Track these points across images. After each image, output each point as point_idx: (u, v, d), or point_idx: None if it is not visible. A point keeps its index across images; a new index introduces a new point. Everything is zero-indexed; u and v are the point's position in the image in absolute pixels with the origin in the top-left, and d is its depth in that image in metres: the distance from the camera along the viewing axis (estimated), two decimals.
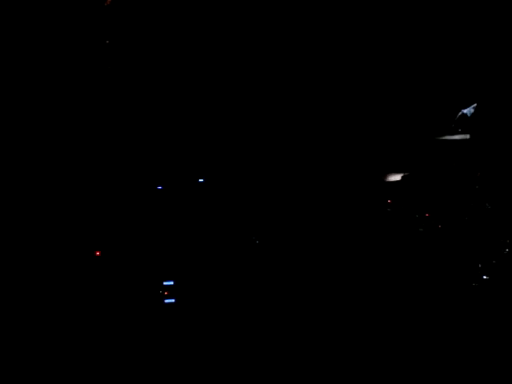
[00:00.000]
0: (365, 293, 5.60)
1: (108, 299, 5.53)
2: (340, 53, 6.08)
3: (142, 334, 5.46)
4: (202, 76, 6.08)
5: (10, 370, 5.18)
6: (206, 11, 6.06)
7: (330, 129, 6.08)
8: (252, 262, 5.71)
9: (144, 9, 6.01)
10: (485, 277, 5.49)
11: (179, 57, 6.08)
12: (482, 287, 5.54)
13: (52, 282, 5.52)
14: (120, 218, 5.72)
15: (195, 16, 6.06)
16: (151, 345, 5.43)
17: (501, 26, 5.82)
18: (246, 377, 5.27)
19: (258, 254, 5.74)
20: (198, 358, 5.38)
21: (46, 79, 5.88)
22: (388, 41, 6.04)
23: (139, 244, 5.69)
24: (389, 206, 5.77)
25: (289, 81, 6.10)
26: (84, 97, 5.93)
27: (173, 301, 5.61)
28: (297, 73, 6.10)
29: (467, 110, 5.31)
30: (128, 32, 6.00)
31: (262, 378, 5.26)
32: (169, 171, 5.92)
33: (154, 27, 6.03)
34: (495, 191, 5.60)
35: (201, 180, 5.91)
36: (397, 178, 5.59)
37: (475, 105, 5.28)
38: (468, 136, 5.22)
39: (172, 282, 5.66)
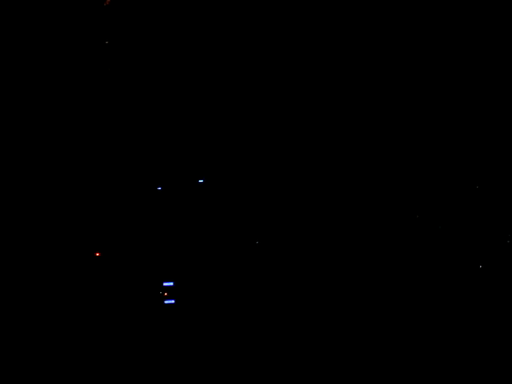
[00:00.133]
0: (366, 292, 5.59)
1: (108, 300, 5.53)
2: (340, 53, 6.08)
3: (141, 335, 5.46)
4: (204, 77, 6.08)
5: (11, 370, 5.19)
6: (207, 11, 6.06)
7: (331, 128, 6.07)
8: (253, 263, 5.71)
9: (144, 9, 6.01)
10: (485, 276, 5.49)
11: (179, 57, 6.08)
12: (483, 287, 5.53)
13: (51, 282, 5.52)
14: (119, 219, 5.72)
15: (196, 16, 6.06)
16: (151, 345, 5.43)
17: (501, 26, 5.82)
18: (248, 377, 5.27)
19: (259, 256, 5.73)
20: (198, 359, 5.38)
21: (45, 80, 5.88)
22: (388, 41, 6.03)
23: (139, 245, 5.69)
24: (388, 206, 5.76)
25: (290, 81, 6.10)
26: (83, 97, 5.93)
27: (173, 302, 5.61)
28: (298, 73, 6.10)
29: None
30: (128, 33, 6.00)
31: (264, 377, 5.25)
32: (168, 172, 5.92)
33: (154, 28, 6.03)
34: (496, 190, 5.60)
35: (201, 181, 5.91)
36: (397, 177, 5.59)
37: None
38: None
39: (172, 283, 5.66)
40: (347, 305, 5.56)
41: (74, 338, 5.39)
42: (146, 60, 6.04)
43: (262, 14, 6.07)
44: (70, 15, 5.86)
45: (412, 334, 5.42)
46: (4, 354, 5.26)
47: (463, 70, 5.71)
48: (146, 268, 5.65)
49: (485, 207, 5.74)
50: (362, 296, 5.59)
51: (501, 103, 5.86)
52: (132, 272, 5.62)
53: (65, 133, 5.85)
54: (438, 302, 5.52)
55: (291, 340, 5.42)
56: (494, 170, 5.81)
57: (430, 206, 5.81)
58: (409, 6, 6.00)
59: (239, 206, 5.86)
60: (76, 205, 5.71)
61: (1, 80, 5.80)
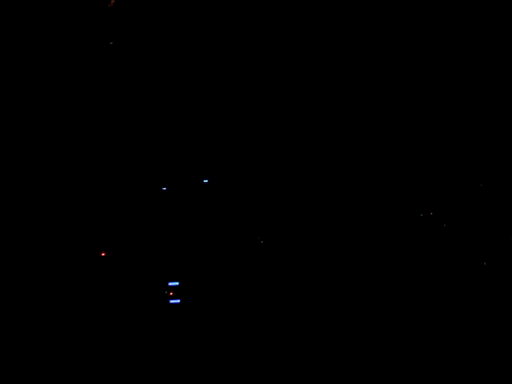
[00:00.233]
0: (367, 292, 5.60)
1: (113, 300, 5.54)
2: (340, 53, 6.08)
3: (147, 334, 5.47)
4: (208, 77, 6.08)
5: (12, 370, 5.20)
6: (213, 12, 6.06)
7: (333, 128, 6.08)
8: (257, 262, 5.72)
9: (149, 10, 6.02)
10: (489, 273, 5.49)
11: (183, 58, 6.09)
12: (487, 284, 5.54)
13: (58, 282, 5.53)
14: (125, 220, 5.73)
15: (201, 17, 6.06)
16: (157, 345, 5.44)
17: (501, 26, 5.82)
18: (250, 377, 5.28)
19: (264, 255, 5.74)
20: (203, 358, 5.39)
21: (50, 80, 5.89)
22: (388, 41, 6.04)
23: (144, 245, 5.70)
24: (393, 204, 5.77)
25: (292, 81, 6.10)
26: (88, 98, 5.94)
27: (178, 301, 5.62)
28: (300, 73, 6.10)
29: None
30: (132, 33, 6.01)
31: (266, 377, 5.26)
32: (173, 172, 5.93)
33: (158, 28, 6.04)
34: (498, 190, 5.60)
35: (205, 181, 5.92)
36: (401, 175, 5.60)
37: None
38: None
39: (177, 283, 5.67)
40: (352, 301, 5.57)
41: (80, 337, 5.40)
42: (150, 60, 6.05)
43: (262, 14, 6.07)
44: (75, 16, 5.87)
45: (415, 332, 5.43)
46: (8, 352, 5.27)
47: (464, 71, 5.71)
48: (152, 268, 5.67)
49: (488, 205, 5.75)
50: (366, 293, 5.60)
51: (503, 102, 5.86)
52: (137, 272, 5.63)
53: (71, 133, 5.86)
54: (442, 298, 5.53)
55: (295, 339, 5.43)
56: (497, 168, 5.82)
57: (434, 204, 5.82)
58: (409, 6, 6.01)
59: (244, 206, 5.87)
60: (82, 205, 5.72)
61: (4, 80, 5.81)
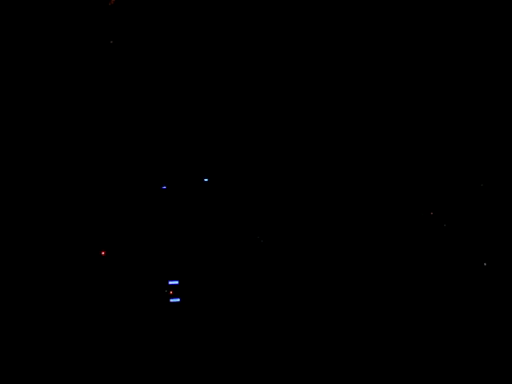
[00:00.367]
0: (367, 291, 5.61)
1: (113, 298, 5.55)
2: (340, 53, 6.08)
3: (147, 333, 5.48)
4: (208, 75, 6.08)
5: (13, 370, 5.21)
6: (213, 11, 6.05)
7: (333, 128, 6.07)
8: (257, 261, 5.72)
9: (149, 9, 6.00)
10: (489, 273, 5.50)
11: (184, 56, 6.08)
12: (487, 284, 5.54)
13: (59, 281, 5.54)
14: (125, 218, 5.73)
15: (201, 16, 6.05)
16: (157, 343, 5.45)
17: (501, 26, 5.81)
18: (252, 374, 5.28)
19: (263, 254, 5.75)
20: (203, 357, 5.39)
21: (50, 79, 5.88)
22: (387, 41, 6.03)
23: (144, 244, 5.70)
24: (394, 204, 5.77)
25: (292, 80, 6.09)
26: (88, 97, 5.93)
27: (178, 300, 5.63)
28: (300, 72, 6.10)
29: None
30: (132, 32, 6.00)
31: (266, 377, 5.27)
32: (173, 171, 5.93)
33: (159, 27, 6.03)
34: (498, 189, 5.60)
35: (206, 179, 5.92)
36: (399, 177, 5.59)
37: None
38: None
39: (177, 282, 5.68)
40: (352, 299, 5.58)
41: (80, 336, 5.41)
42: (150, 59, 6.04)
43: (262, 14, 6.06)
44: (76, 15, 5.86)
45: (414, 331, 5.43)
46: (8, 351, 5.28)
47: (464, 70, 5.71)
48: (152, 266, 5.67)
49: (489, 205, 5.75)
50: (366, 292, 5.60)
51: (503, 103, 5.86)
52: (137, 270, 5.64)
53: (71, 132, 5.86)
54: (442, 298, 5.53)
55: (294, 338, 5.44)
56: (497, 168, 5.82)
57: (434, 204, 5.82)
58: (409, 6, 5.99)
59: (244, 205, 5.87)
60: (82, 204, 5.72)
61: (5, 80, 5.81)
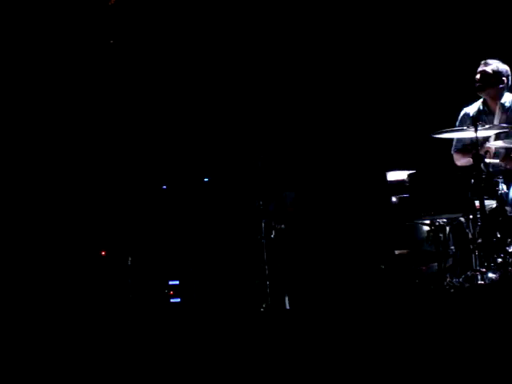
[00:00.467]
0: (368, 290, 5.61)
1: (114, 298, 5.56)
2: (340, 53, 6.09)
3: (147, 333, 5.49)
4: (208, 75, 6.09)
5: (12, 370, 5.22)
6: (212, 11, 6.06)
7: (333, 127, 6.09)
8: (258, 260, 5.73)
9: (148, 8, 6.01)
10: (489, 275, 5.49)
11: (183, 56, 6.09)
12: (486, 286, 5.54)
13: (58, 281, 5.55)
14: (125, 218, 5.74)
15: (200, 16, 6.06)
16: (157, 343, 5.45)
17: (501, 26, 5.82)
18: (250, 376, 5.29)
19: (264, 253, 5.75)
20: (204, 357, 5.40)
21: (51, 79, 5.90)
22: (387, 41, 6.05)
23: (144, 244, 5.71)
24: (393, 204, 5.76)
25: (291, 80, 6.11)
26: (88, 96, 5.95)
27: (178, 300, 5.64)
28: (299, 72, 6.11)
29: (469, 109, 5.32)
30: (132, 32, 6.01)
31: (266, 377, 5.27)
32: (173, 171, 5.94)
33: (158, 27, 6.03)
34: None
35: (206, 179, 5.91)
36: (400, 176, 5.57)
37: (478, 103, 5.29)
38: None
39: (177, 282, 5.68)
40: (351, 301, 5.59)
41: (79, 336, 5.41)
42: (150, 59, 6.05)
43: (264, 15, 6.07)
44: (76, 14, 5.87)
45: (415, 330, 5.43)
46: (8, 352, 5.29)
47: (464, 71, 5.70)
48: (152, 267, 5.68)
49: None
50: (365, 293, 5.61)
51: None
52: (138, 271, 5.64)
53: (70, 132, 5.87)
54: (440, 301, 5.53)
55: (295, 338, 5.44)
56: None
57: (435, 204, 5.82)
58: (409, 6, 6.00)
59: (244, 205, 5.87)
60: (82, 204, 5.73)
61: (5, 79, 5.82)
